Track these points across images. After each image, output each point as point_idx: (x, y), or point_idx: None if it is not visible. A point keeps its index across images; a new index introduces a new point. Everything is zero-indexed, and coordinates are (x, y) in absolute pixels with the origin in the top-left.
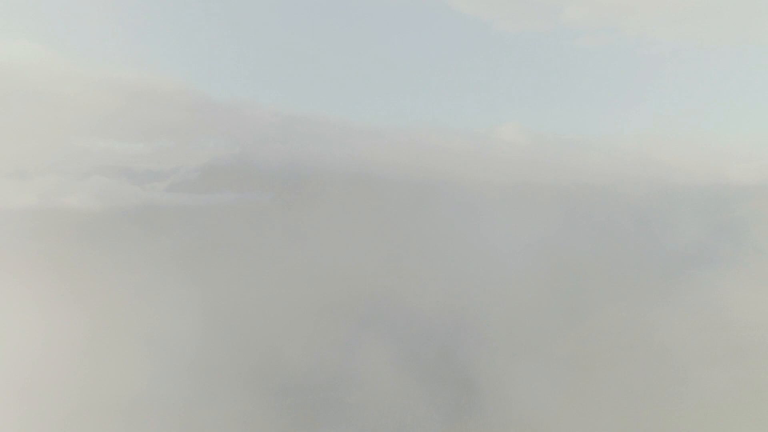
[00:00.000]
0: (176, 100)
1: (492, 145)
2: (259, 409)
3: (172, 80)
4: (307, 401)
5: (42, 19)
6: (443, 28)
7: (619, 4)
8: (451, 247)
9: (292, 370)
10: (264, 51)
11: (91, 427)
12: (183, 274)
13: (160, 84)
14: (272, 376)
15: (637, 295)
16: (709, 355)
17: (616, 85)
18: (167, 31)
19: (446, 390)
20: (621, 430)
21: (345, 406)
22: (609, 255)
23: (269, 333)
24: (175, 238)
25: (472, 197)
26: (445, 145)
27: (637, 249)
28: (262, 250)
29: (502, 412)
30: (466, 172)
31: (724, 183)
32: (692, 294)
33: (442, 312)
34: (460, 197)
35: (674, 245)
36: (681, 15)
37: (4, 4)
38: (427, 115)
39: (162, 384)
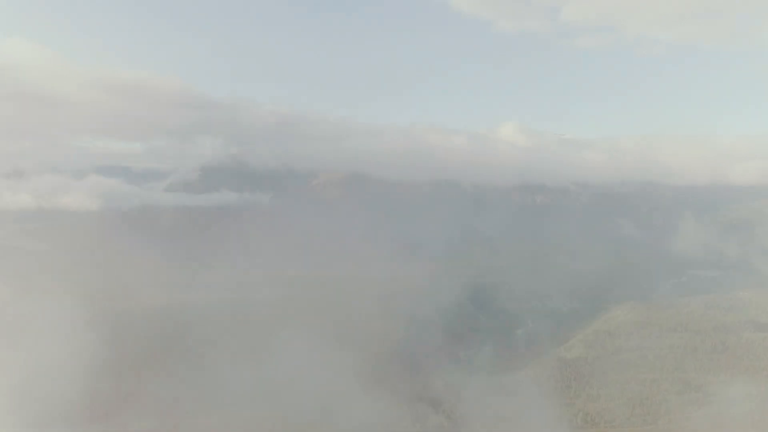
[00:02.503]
0: (174, 100)
1: (492, 145)
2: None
3: (170, 79)
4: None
5: (39, 18)
6: (443, 27)
7: (619, 4)
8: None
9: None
10: (263, 50)
11: None
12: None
13: (158, 83)
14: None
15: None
16: (712, 357)
17: (615, 84)
18: (165, 31)
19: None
20: None
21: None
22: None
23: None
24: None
25: (470, 197)
26: (444, 145)
27: (638, 250)
28: (250, 251)
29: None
30: (466, 172)
31: (724, 183)
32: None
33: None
34: (458, 197)
35: (675, 245)
36: (681, 15)
37: (0, 3)
38: (427, 114)
39: None
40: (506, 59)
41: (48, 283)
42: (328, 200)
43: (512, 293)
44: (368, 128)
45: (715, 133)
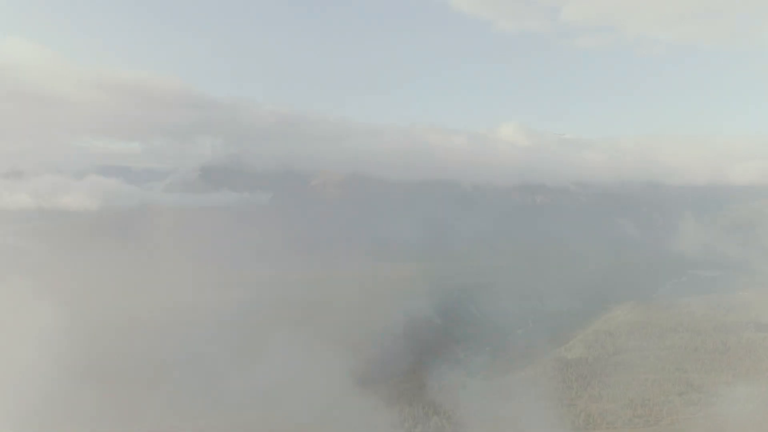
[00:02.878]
0: (174, 100)
1: (492, 145)
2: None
3: (170, 79)
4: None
5: (38, 18)
6: (443, 27)
7: (619, 4)
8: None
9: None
10: (262, 50)
11: None
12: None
13: (157, 83)
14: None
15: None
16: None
17: (615, 84)
18: (165, 31)
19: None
20: None
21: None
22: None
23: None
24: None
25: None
26: (444, 145)
27: (639, 249)
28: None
29: None
30: (466, 172)
31: (724, 183)
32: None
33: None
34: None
35: (675, 245)
36: (681, 15)
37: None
38: (427, 114)
39: None
40: (506, 59)
41: (45, 284)
42: (328, 200)
43: (512, 293)
44: (368, 128)
45: (715, 132)
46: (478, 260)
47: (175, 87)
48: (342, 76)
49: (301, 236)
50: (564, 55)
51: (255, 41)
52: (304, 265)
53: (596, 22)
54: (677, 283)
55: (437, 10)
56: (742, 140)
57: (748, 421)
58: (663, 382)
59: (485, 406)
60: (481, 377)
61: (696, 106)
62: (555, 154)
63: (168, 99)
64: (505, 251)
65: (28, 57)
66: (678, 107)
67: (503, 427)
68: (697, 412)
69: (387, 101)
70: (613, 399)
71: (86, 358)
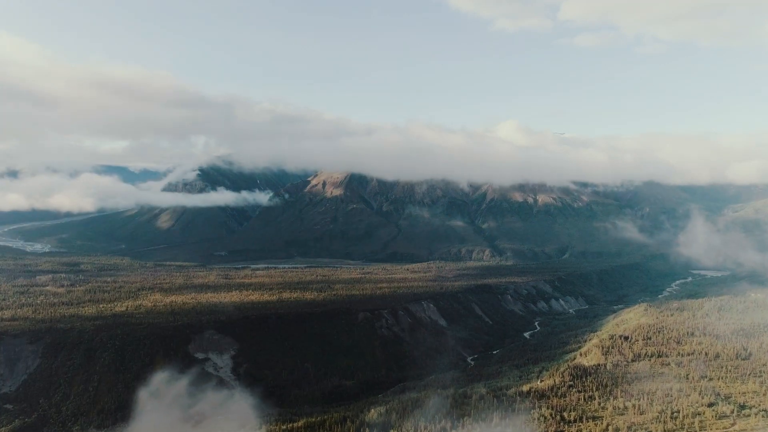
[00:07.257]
0: (167, 97)
1: (491, 143)
2: None
3: (163, 76)
4: None
5: (27, 14)
6: (441, 25)
7: (618, 2)
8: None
9: None
10: (257, 47)
11: None
12: None
13: (150, 80)
14: None
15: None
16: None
17: (615, 83)
18: (159, 27)
19: None
20: None
21: None
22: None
23: None
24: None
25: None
26: (443, 144)
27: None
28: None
29: None
30: (465, 171)
31: (725, 182)
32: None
33: None
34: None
35: (677, 245)
36: (680, 13)
37: None
38: (425, 113)
39: None
40: (505, 57)
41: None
42: (327, 199)
43: (516, 294)
44: (365, 127)
45: (715, 131)
46: (479, 260)
47: (169, 84)
48: (339, 74)
49: (300, 235)
50: (563, 53)
51: (250, 38)
52: (307, 264)
53: (595, 21)
54: (683, 284)
55: (436, 8)
56: (742, 139)
57: None
58: (689, 392)
59: (504, 419)
60: (491, 383)
61: (696, 105)
62: (554, 153)
63: (162, 97)
64: (506, 251)
65: (17, 54)
66: (678, 106)
67: None
68: (731, 425)
69: (384, 99)
70: (640, 411)
71: (78, 358)
